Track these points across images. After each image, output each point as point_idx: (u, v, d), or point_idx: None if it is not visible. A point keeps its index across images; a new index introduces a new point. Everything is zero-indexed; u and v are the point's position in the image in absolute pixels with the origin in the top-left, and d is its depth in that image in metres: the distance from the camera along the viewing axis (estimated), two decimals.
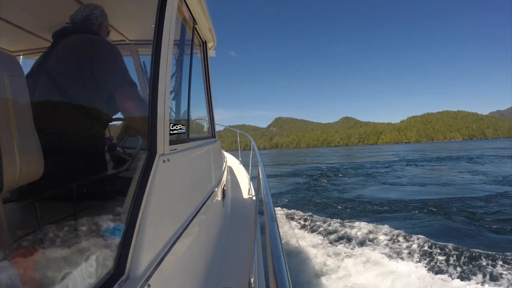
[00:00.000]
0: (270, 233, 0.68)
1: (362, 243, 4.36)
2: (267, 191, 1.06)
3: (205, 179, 1.63)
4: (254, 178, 3.51)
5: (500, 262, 3.55)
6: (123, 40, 1.95)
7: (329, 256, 3.95)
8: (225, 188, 2.39)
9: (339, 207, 6.76)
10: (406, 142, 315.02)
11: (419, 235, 4.38)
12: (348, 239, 4.56)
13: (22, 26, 1.49)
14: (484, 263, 3.57)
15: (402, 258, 3.80)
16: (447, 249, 3.92)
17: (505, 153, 24.54)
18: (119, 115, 1.26)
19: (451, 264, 3.61)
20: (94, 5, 1.28)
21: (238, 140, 5.53)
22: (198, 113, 2.07)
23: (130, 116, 1.20)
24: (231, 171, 4.03)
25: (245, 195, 3.36)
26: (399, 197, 7.88)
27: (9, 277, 0.53)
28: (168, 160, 0.93)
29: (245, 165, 4.76)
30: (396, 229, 4.71)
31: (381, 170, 15.13)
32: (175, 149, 1.08)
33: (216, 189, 1.88)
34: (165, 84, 0.93)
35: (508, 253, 3.72)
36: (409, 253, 3.97)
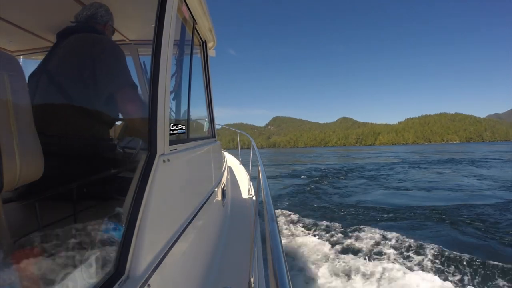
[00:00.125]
0: (270, 233, 0.68)
1: (369, 254, 4.05)
2: (267, 191, 1.06)
3: (205, 179, 1.63)
4: (254, 178, 3.51)
5: None
6: (123, 40, 1.95)
7: (335, 271, 3.66)
8: (225, 188, 2.39)
9: (341, 213, 6.31)
10: (403, 144, 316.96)
11: (432, 245, 4.11)
12: (354, 249, 4.25)
13: (22, 26, 1.49)
14: (503, 277, 3.34)
15: (411, 269, 3.57)
16: (464, 262, 3.68)
17: (507, 157, 24.16)
18: (119, 115, 1.26)
19: (471, 278, 3.39)
20: (99, 3, 1.27)
21: (238, 140, 5.53)
22: (198, 113, 2.07)
23: (131, 117, 1.20)
24: (231, 171, 4.03)
25: (245, 195, 3.36)
26: (405, 202, 7.41)
27: (9, 277, 0.53)
28: (168, 160, 0.93)
29: (245, 165, 4.75)
30: (405, 237, 4.45)
31: (383, 173, 14.57)
32: (175, 149, 1.08)
33: (216, 189, 1.88)
34: (165, 84, 0.93)
35: None
36: (422, 264, 3.70)
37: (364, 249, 4.21)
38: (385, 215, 6.03)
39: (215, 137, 2.28)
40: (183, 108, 1.45)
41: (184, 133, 1.29)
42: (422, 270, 3.57)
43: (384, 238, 4.53)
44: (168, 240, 0.90)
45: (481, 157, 24.64)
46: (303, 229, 5.13)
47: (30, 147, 0.66)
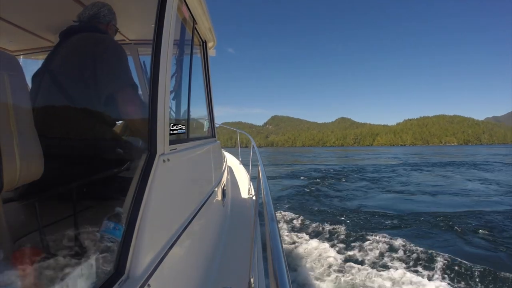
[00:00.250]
0: (270, 233, 0.67)
1: (375, 266, 3.77)
2: (267, 191, 1.06)
3: (205, 179, 1.63)
4: (254, 178, 3.51)
5: None
6: (123, 40, 1.95)
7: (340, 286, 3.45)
8: (225, 188, 2.39)
9: (344, 218, 5.86)
10: (401, 145, 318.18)
11: (441, 254, 3.88)
12: (359, 259, 3.97)
13: (22, 26, 1.49)
14: None
15: (421, 283, 3.31)
16: (476, 273, 3.47)
17: (508, 160, 23.72)
18: (120, 115, 1.26)
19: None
20: (102, 3, 1.26)
21: (238, 140, 5.52)
22: (198, 112, 2.07)
23: (131, 117, 1.20)
24: (231, 171, 4.03)
25: (245, 195, 3.36)
26: (409, 208, 7.02)
27: (9, 277, 0.53)
28: (168, 160, 0.93)
29: (245, 165, 4.73)
30: (412, 246, 4.19)
31: (384, 175, 13.96)
32: (175, 148, 1.08)
33: (216, 189, 1.88)
34: (165, 84, 0.93)
35: None
36: (432, 277, 3.46)
37: (370, 260, 3.92)
38: (389, 222, 5.65)
39: (215, 137, 2.28)
40: (183, 108, 1.45)
41: (184, 133, 1.29)
42: (433, 282, 3.35)
43: (390, 248, 4.24)
44: (168, 240, 0.90)
45: (482, 160, 24.20)
46: (304, 235, 4.82)
47: (30, 147, 0.66)
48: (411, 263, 3.80)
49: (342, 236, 4.73)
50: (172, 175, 0.99)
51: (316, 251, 4.14)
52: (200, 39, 1.89)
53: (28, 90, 1.00)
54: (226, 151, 5.07)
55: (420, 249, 4.10)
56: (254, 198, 3.13)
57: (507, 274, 3.44)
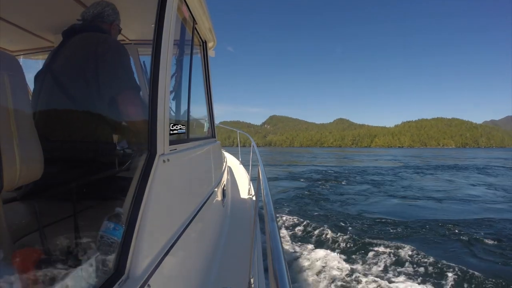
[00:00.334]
0: (270, 233, 0.67)
1: (383, 278, 3.53)
2: (267, 191, 1.06)
3: (205, 179, 1.63)
4: (254, 178, 3.50)
5: None
6: (123, 40, 1.95)
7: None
8: (225, 188, 2.39)
9: (346, 225, 5.48)
10: (399, 147, 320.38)
11: (452, 266, 3.67)
12: (366, 272, 3.70)
13: (23, 26, 1.49)
14: None
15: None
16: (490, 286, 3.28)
17: (510, 165, 23.29)
18: (121, 116, 1.25)
19: None
20: (106, 2, 1.25)
21: (238, 140, 5.52)
22: (198, 113, 2.07)
23: (133, 119, 1.19)
24: (231, 171, 4.03)
25: (245, 195, 3.36)
26: (414, 214, 6.61)
27: (9, 276, 0.53)
28: (168, 160, 0.93)
29: (245, 165, 4.72)
30: (420, 258, 3.92)
31: (387, 178, 13.37)
32: (175, 149, 1.08)
33: (216, 189, 1.88)
34: (165, 84, 0.93)
35: None
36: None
37: (376, 273, 3.67)
38: (394, 230, 5.25)
39: (215, 137, 2.28)
40: (183, 108, 1.45)
41: (184, 133, 1.29)
42: None
43: (397, 260, 3.94)
44: (168, 240, 0.90)
45: (484, 164, 23.71)
46: (305, 244, 4.52)
47: (30, 147, 0.66)
48: (419, 277, 3.56)
49: (346, 245, 4.45)
50: (172, 175, 0.99)
51: (318, 262, 3.87)
52: (200, 39, 1.89)
53: (29, 90, 1.00)
54: (224, 150, 5.02)
55: (428, 261, 3.84)
56: (254, 198, 3.13)
57: None
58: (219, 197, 2.01)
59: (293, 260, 3.95)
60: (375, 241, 4.54)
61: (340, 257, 4.01)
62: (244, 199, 3.25)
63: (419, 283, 3.41)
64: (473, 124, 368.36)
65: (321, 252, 4.16)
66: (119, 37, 1.88)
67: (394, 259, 3.98)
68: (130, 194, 0.79)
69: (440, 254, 4.14)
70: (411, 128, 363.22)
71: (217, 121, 2.40)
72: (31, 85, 1.12)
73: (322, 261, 3.88)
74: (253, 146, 3.34)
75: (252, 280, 1.02)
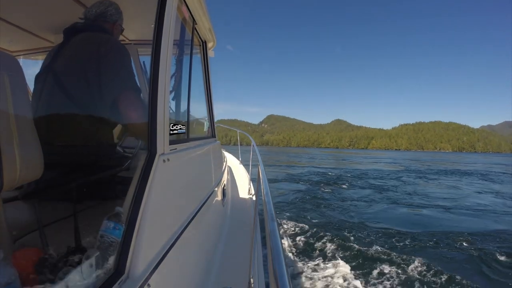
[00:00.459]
0: (270, 233, 0.68)
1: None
2: (267, 191, 1.06)
3: (205, 179, 1.63)
4: (254, 178, 3.50)
5: None
6: (123, 40, 1.95)
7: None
8: (225, 188, 2.39)
9: (348, 234, 5.01)
10: (396, 149, 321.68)
11: (467, 284, 3.38)
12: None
13: (23, 26, 1.49)
14: None
15: None
16: None
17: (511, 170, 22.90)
18: (122, 117, 1.25)
19: None
20: (109, 1, 1.24)
21: (239, 140, 5.52)
22: (198, 113, 2.07)
23: (133, 120, 1.18)
24: (231, 171, 4.03)
25: (245, 195, 3.36)
26: (420, 224, 6.14)
27: (9, 276, 0.54)
28: (168, 159, 0.93)
29: (245, 165, 4.71)
30: (432, 278, 3.56)
31: (389, 183, 12.73)
32: (175, 148, 1.08)
33: (216, 189, 1.88)
34: (165, 84, 0.93)
35: None
36: None
37: None
38: (401, 243, 4.79)
39: (215, 137, 2.28)
40: (183, 108, 1.45)
41: (184, 133, 1.29)
42: None
43: (407, 278, 3.59)
44: (168, 240, 0.90)
45: (486, 170, 23.09)
46: (306, 258, 4.15)
47: (30, 146, 0.66)
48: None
49: (349, 259, 4.06)
50: (172, 175, 0.99)
51: (320, 275, 3.61)
52: (200, 39, 1.89)
53: (28, 90, 1.00)
54: (224, 149, 4.97)
55: (440, 281, 3.53)
56: (254, 198, 3.13)
57: None
58: (219, 197, 2.02)
59: (293, 274, 3.74)
60: (380, 255, 4.11)
61: (344, 271, 3.70)
62: (244, 199, 3.25)
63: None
64: (470, 129, 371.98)
65: (322, 265, 3.88)
66: (119, 37, 1.89)
67: (402, 278, 3.59)
68: (130, 194, 0.79)
69: (451, 270, 3.78)
70: (409, 131, 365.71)
71: (215, 118, 2.40)
72: (31, 85, 1.11)
73: (324, 275, 3.62)
74: (253, 145, 3.34)
75: (252, 280, 1.02)
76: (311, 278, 3.53)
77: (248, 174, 4.16)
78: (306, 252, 4.29)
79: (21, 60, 1.78)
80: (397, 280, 3.56)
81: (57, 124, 1.06)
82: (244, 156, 5.48)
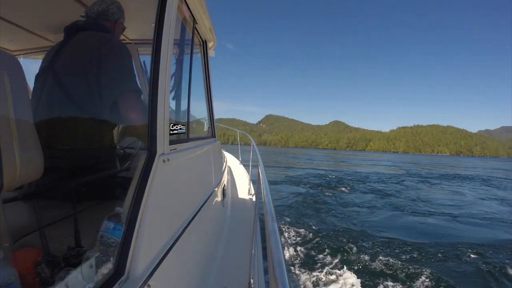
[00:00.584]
0: (270, 233, 0.67)
1: None
2: (267, 191, 1.06)
3: (205, 179, 1.63)
4: (254, 178, 3.50)
5: None
6: (123, 40, 1.95)
7: None
8: (225, 188, 2.39)
9: (352, 245, 4.55)
10: (394, 152, 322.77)
11: None
12: None
13: (23, 26, 1.49)
14: None
15: None
16: None
17: None
18: (122, 118, 1.24)
19: None
20: (111, 0, 1.23)
21: (239, 140, 5.52)
22: (198, 113, 2.07)
23: (134, 121, 1.17)
24: (231, 171, 4.03)
25: (245, 195, 3.36)
26: (426, 233, 5.71)
27: (9, 276, 0.53)
28: (168, 160, 0.93)
29: (245, 165, 4.70)
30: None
31: (391, 187, 12.24)
32: (175, 149, 1.08)
33: (216, 189, 1.88)
34: (165, 83, 0.93)
35: None
36: None
37: None
38: (408, 255, 4.39)
39: (215, 137, 2.28)
40: (183, 108, 1.45)
41: (184, 133, 1.29)
42: None
43: None
44: (168, 240, 0.90)
45: (487, 175, 22.49)
46: (308, 271, 3.82)
47: (30, 147, 0.66)
48: None
49: (353, 273, 3.76)
50: (172, 175, 0.99)
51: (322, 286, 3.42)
52: (200, 39, 1.89)
53: (28, 90, 1.00)
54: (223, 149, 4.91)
55: None
56: (254, 198, 3.13)
57: None
58: (219, 197, 2.01)
59: (292, 256, 3.77)
60: (385, 269, 3.84)
61: (348, 283, 3.46)
62: (244, 199, 3.25)
63: None
64: (468, 133, 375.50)
65: (324, 278, 3.63)
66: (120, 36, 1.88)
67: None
68: (130, 194, 0.79)
69: (462, 285, 3.56)
70: (407, 134, 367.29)
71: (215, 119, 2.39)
72: (31, 85, 1.11)
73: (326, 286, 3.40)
74: (253, 145, 3.34)
75: (252, 280, 1.02)
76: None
77: (248, 174, 4.16)
78: (307, 265, 3.95)
79: (21, 60, 1.77)
80: None
81: (57, 125, 1.05)
82: (244, 156, 5.47)
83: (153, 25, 0.93)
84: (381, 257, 4.16)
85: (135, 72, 1.16)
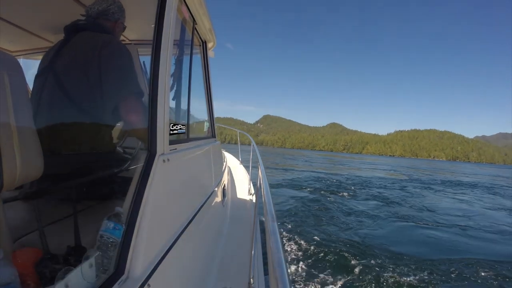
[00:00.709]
0: (270, 233, 0.68)
1: None
2: (267, 191, 1.06)
3: (205, 179, 1.63)
4: (254, 178, 3.50)
5: None
6: (123, 40, 1.95)
7: None
8: (225, 188, 2.39)
9: (355, 262, 4.18)
10: (390, 155, 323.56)
11: None
12: None
13: (23, 26, 1.49)
14: None
15: None
16: None
17: None
18: (124, 122, 1.23)
19: None
20: None
21: (239, 140, 5.52)
22: (198, 113, 2.07)
23: (135, 122, 1.16)
24: (231, 171, 4.03)
25: (245, 195, 3.36)
26: (438, 248, 5.28)
27: (9, 276, 0.54)
28: (168, 160, 0.93)
29: (245, 165, 4.69)
30: None
31: (394, 193, 11.71)
32: (175, 149, 1.08)
33: (216, 189, 1.88)
34: (165, 84, 0.93)
35: None
36: None
37: None
38: (418, 274, 3.96)
39: (215, 137, 2.28)
40: (183, 108, 1.45)
41: (184, 133, 1.29)
42: None
43: None
44: (168, 240, 0.90)
45: (490, 182, 21.96)
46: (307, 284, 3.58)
47: (30, 146, 0.66)
48: None
49: None
50: (172, 175, 0.99)
51: None
52: (200, 40, 1.89)
53: (28, 90, 1.00)
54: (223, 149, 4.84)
55: None
56: (254, 198, 3.13)
57: None
58: (219, 197, 2.01)
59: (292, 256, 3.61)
60: None
61: None
62: (244, 199, 3.25)
63: None
64: (465, 139, 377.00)
65: None
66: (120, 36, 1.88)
67: None
68: (130, 194, 0.79)
69: None
70: (404, 138, 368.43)
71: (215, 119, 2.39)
72: (31, 85, 1.11)
73: None
74: (253, 145, 3.34)
75: (252, 280, 1.02)
76: None
77: (248, 174, 4.16)
78: (308, 282, 3.67)
79: (21, 60, 1.78)
80: None
81: (58, 125, 1.05)
82: (243, 156, 5.47)
83: (153, 25, 0.93)
84: (387, 276, 3.84)
85: (136, 73, 1.15)
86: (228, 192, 2.81)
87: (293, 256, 4.33)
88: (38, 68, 1.15)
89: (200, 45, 1.96)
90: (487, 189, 16.70)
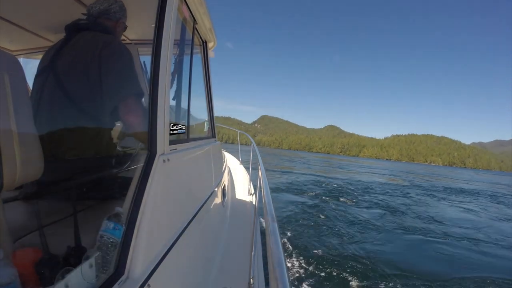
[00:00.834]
0: (270, 233, 0.68)
1: None
2: (267, 191, 1.06)
3: (205, 179, 1.63)
4: (254, 179, 3.50)
5: None
6: (124, 40, 1.95)
7: None
8: (225, 188, 2.39)
9: (360, 282, 3.85)
10: (387, 159, 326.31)
11: None
12: None
13: (23, 26, 1.49)
14: None
15: None
16: None
17: None
18: (124, 123, 1.23)
19: None
20: None
21: (239, 140, 5.52)
22: (198, 113, 2.07)
23: (134, 124, 1.16)
24: (231, 171, 4.03)
25: (245, 195, 3.36)
26: (448, 263, 4.91)
27: (9, 276, 0.53)
28: (168, 160, 0.93)
29: (245, 165, 4.68)
30: None
31: (397, 201, 11.21)
32: (175, 149, 1.08)
33: (216, 189, 1.88)
34: (165, 84, 0.93)
35: None
36: None
37: None
38: None
39: (215, 137, 2.28)
40: (183, 108, 1.45)
41: (184, 133, 1.29)
42: None
43: None
44: (168, 240, 0.90)
45: (490, 190, 21.61)
46: None
47: (30, 146, 0.66)
48: None
49: None
50: (172, 175, 0.99)
51: None
52: (200, 39, 1.89)
53: (29, 90, 1.00)
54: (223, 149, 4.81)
55: None
56: (254, 198, 3.13)
57: None
58: (219, 197, 2.01)
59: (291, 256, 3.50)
60: None
61: None
62: (244, 199, 3.25)
63: None
64: (462, 144, 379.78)
65: None
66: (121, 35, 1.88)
67: None
68: (130, 194, 0.79)
69: None
70: (401, 142, 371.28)
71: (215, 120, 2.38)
72: (31, 85, 1.11)
73: None
74: (253, 146, 3.34)
75: (252, 280, 1.02)
76: None
77: (248, 174, 4.16)
78: None
79: (21, 60, 1.78)
80: None
81: (58, 125, 1.05)
82: (243, 156, 5.47)
83: (153, 25, 0.93)
84: None
85: (136, 73, 1.15)
86: (228, 192, 2.81)
87: (294, 273, 3.97)
88: (38, 67, 1.14)
89: (201, 45, 1.96)
90: (490, 198, 16.16)
